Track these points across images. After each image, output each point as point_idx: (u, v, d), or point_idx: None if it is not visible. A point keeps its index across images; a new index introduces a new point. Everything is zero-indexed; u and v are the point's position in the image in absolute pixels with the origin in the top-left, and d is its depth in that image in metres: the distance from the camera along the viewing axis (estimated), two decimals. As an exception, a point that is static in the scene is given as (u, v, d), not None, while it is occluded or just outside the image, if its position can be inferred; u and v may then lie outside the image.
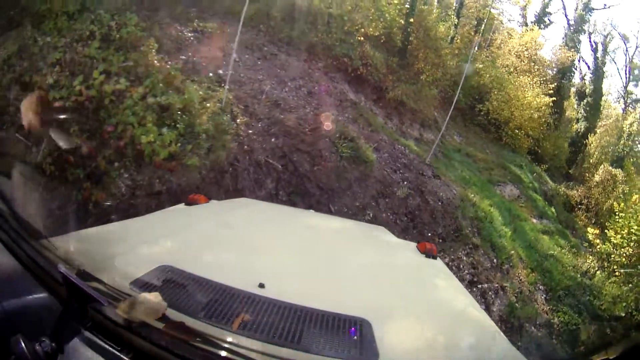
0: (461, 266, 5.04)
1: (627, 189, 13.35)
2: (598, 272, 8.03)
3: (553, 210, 10.86)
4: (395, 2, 9.39)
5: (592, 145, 15.93)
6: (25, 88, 4.18)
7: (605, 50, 18.31)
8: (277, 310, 0.87)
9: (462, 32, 14.65)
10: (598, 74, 17.37)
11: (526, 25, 17.87)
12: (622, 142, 16.31)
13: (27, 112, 3.85)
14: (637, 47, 20.92)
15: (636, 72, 19.99)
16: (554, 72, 16.24)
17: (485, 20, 16.56)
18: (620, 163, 15.56)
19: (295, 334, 0.80)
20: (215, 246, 1.27)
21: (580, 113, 16.95)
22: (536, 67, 14.89)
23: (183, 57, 5.97)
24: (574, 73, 17.66)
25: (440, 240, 5.13)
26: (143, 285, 0.86)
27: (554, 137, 15.24)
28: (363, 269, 1.37)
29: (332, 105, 6.24)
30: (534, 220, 9.10)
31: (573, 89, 17.74)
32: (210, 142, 4.17)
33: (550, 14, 18.28)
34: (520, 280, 6.18)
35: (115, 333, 0.72)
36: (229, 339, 0.72)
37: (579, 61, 17.90)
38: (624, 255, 7.76)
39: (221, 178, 4.02)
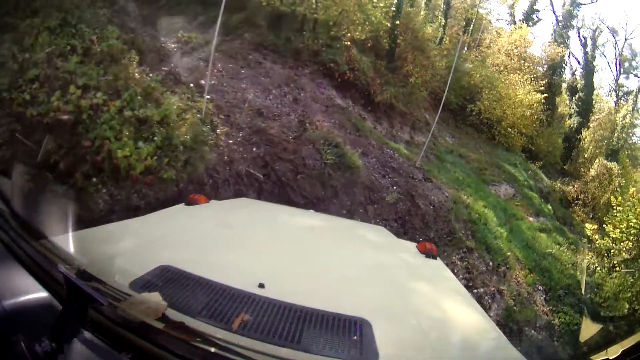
0: (455, 271, 4.89)
1: (624, 181, 13.31)
2: (598, 269, 7.89)
3: (549, 207, 10.75)
4: (381, 5, 9.35)
5: (586, 140, 15.91)
6: (2, 106, 4.09)
7: (594, 45, 18.41)
8: (277, 310, 0.87)
9: (451, 33, 14.69)
10: (588, 68, 17.42)
11: (514, 23, 17.95)
12: (615, 135, 16.30)
13: None
14: (626, 39, 21.04)
15: (626, 64, 20.09)
16: (545, 69, 16.27)
17: (473, 21, 16.65)
18: (615, 156, 15.53)
19: (295, 334, 0.80)
20: (215, 246, 1.27)
21: (573, 108, 16.96)
22: (526, 64, 14.92)
23: (165, 68, 5.89)
24: (565, 69, 17.74)
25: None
26: (143, 285, 0.86)
27: (548, 133, 15.21)
28: (363, 268, 1.37)
29: (318, 111, 6.13)
30: (531, 219, 8.98)
31: (564, 85, 17.78)
32: (188, 154, 4.05)
33: (538, 11, 18.40)
34: (518, 282, 6.03)
35: (115, 333, 0.72)
36: (229, 339, 0.71)
37: (568, 57, 17.98)
38: (624, 249, 7.63)
39: (200, 190, 3.89)
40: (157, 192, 4.07)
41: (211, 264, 1.09)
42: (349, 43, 8.46)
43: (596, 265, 8.00)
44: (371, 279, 1.28)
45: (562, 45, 16.48)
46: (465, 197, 6.76)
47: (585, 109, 16.58)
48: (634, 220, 7.44)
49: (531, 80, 13.78)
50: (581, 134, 15.95)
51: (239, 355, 0.67)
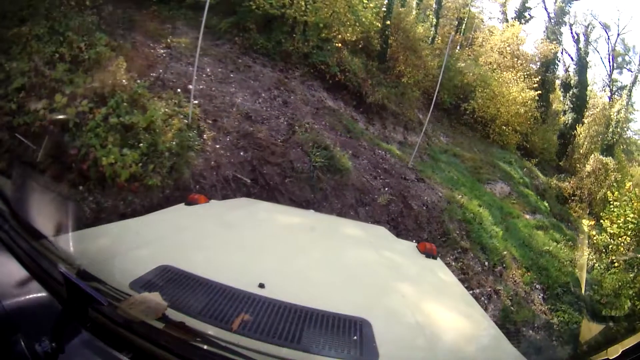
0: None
1: (619, 176, 13.29)
2: (596, 265, 7.83)
3: (546, 204, 10.70)
4: (372, 5, 9.32)
5: (580, 135, 15.89)
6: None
7: (587, 41, 18.42)
8: (277, 310, 0.87)
9: (443, 32, 14.69)
10: (582, 64, 17.44)
11: (507, 21, 17.99)
12: (610, 130, 16.28)
13: None
14: (618, 34, 21.09)
15: (619, 59, 20.15)
16: (538, 66, 16.28)
17: (465, 19, 16.67)
18: (611, 151, 15.52)
19: (295, 334, 0.80)
20: (215, 246, 1.27)
21: (567, 105, 16.95)
22: (519, 62, 14.93)
23: (154, 74, 5.84)
24: (558, 65, 17.71)
25: (427, 247, 4.89)
26: (143, 285, 0.86)
27: (542, 130, 15.19)
28: (363, 268, 1.37)
29: (308, 114, 6.07)
30: (527, 216, 8.93)
31: (558, 81, 17.78)
32: (174, 160, 3.99)
33: (530, 8, 18.42)
34: (515, 281, 5.96)
35: (116, 333, 0.72)
36: (229, 339, 0.71)
37: (561, 53, 17.97)
38: (622, 244, 7.58)
39: (186, 197, 3.81)
40: (143, 199, 4.02)
41: (211, 264, 1.09)
42: (339, 45, 8.42)
43: (594, 261, 7.94)
44: (371, 279, 1.27)
45: (554, 42, 16.50)
46: (460, 196, 6.69)
47: (580, 104, 16.58)
48: (632, 215, 7.39)
49: (524, 77, 13.76)
50: (576, 130, 15.93)
51: (239, 355, 0.67)
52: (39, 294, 0.78)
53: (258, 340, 0.76)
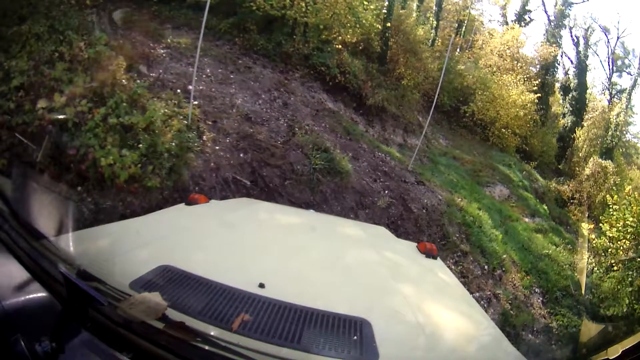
0: (450, 276, 4.79)
1: (619, 179, 13.29)
2: (596, 268, 7.82)
3: (545, 207, 10.70)
4: (372, 7, 9.32)
5: (580, 139, 15.91)
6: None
7: (587, 44, 18.44)
8: (277, 310, 0.87)
9: (443, 34, 14.71)
10: (581, 67, 17.47)
11: (507, 24, 18.01)
12: (610, 133, 16.28)
13: None
14: (618, 38, 21.14)
15: (619, 62, 20.17)
16: (537, 69, 16.30)
17: (465, 22, 16.70)
18: (610, 154, 15.51)
19: (295, 334, 0.80)
20: (216, 246, 1.26)
21: (566, 107, 16.97)
22: (519, 65, 14.94)
23: (154, 74, 5.82)
24: (558, 68, 17.74)
25: (426, 250, 4.88)
26: (143, 285, 0.86)
27: (542, 133, 15.19)
28: (363, 268, 1.37)
29: (308, 115, 6.05)
30: (526, 220, 8.92)
31: (557, 84, 17.80)
32: (173, 161, 3.96)
33: (530, 11, 18.45)
34: (514, 285, 5.95)
35: (116, 333, 0.72)
36: (229, 339, 0.71)
37: (561, 56, 18.00)
38: (622, 248, 7.56)
39: (185, 198, 3.79)
40: (142, 200, 3.99)
41: (211, 264, 1.09)
42: (340, 46, 8.42)
43: (594, 265, 7.93)
44: (371, 279, 1.27)
45: (554, 45, 16.52)
46: (459, 199, 6.68)
47: (579, 108, 16.60)
48: (631, 219, 7.37)
49: (524, 80, 13.77)
50: (575, 133, 15.94)
51: (239, 355, 0.67)
52: (39, 294, 0.78)
53: (258, 340, 0.76)
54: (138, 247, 1.10)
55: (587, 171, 13.80)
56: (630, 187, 8.53)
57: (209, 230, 1.43)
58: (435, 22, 13.36)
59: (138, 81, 4.87)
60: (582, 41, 18.28)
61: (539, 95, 13.64)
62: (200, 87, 5.61)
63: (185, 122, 4.61)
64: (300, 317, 0.86)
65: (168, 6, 8.75)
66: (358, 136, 6.60)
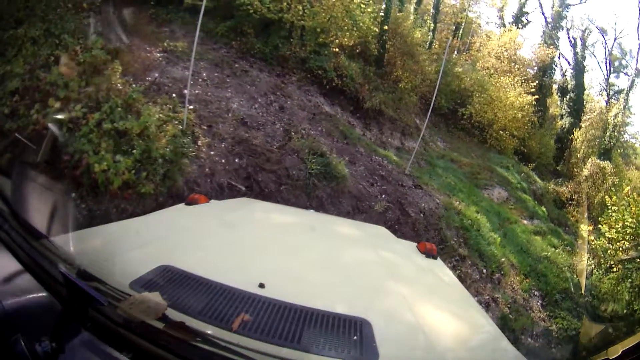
0: (448, 280, 4.75)
1: (617, 180, 13.28)
2: (595, 270, 7.79)
3: (544, 209, 10.68)
4: (369, 10, 9.32)
5: (578, 140, 15.91)
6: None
7: (584, 45, 18.48)
8: (277, 310, 0.87)
9: (440, 37, 14.73)
10: (579, 68, 17.50)
11: (504, 26, 18.06)
12: (608, 134, 16.28)
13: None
14: (615, 39, 21.24)
15: (616, 63, 20.22)
16: (535, 71, 16.33)
17: (463, 24, 16.74)
18: (608, 155, 15.51)
19: (295, 334, 0.80)
20: (215, 246, 1.26)
21: (564, 109, 16.99)
22: (516, 66, 14.96)
23: (149, 78, 5.79)
24: (555, 70, 17.76)
25: (424, 254, 4.84)
26: (143, 285, 0.86)
27: (539, 135, 15.21)
28: (363, 268, 1.37)
29: (304, 119, 6.02)
30: (525, 222, 8.89)
31: (555, 86, 17.83)
32: (167, 167, 3.93)
33: (527, 13, 18.52)
34: (513, 288, 5.91)
35: (116, 333, 0.72)
36: (229, 339, 0.70)
37: (559, 57, 18.03)
38: (621, 249, 7.53)
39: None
40: (136, 206, 3.96)
41: (211, 264, 1.09)
42: (337, 49, 8.41)
43: (593, 266, 7.90)
44: (371, 279, 1.27)
45: (552, 47, 16.56)
46: (457, 202, 6.65)
47: (577, 109, 16.62)
48: (630, 220, 7.35)
49: (522, 82, 13.79)
50: (573, 134, 15.94)
51: (239, 355, 0.67)
52: (39, 294, 0.78)
53: (258, 340, 0.76)
54: (138, 247, 1.10)
55: (586, 172, 13.80)
56: (628, 187, 8.53)
57: (209, 230, 1.43)
58: (432, 25, 13.37)
59: (134, 85, 4.85)
60: (579, 42, 18.32)
61: (536, 97, 13.66)
62: (196, 91, 5.58)
63: (180, 127, 4.58)
64: (300, 317, 0.86)
65: (165, 9, 8.73)
66: (355, 140, 6.57)
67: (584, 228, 9.27)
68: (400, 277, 1.40)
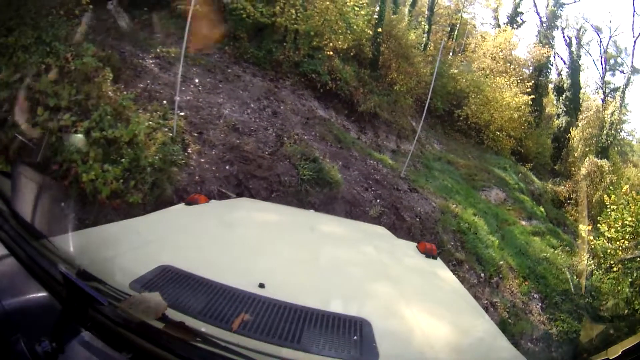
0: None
1: (615, 178, 13.25)
2: (595, 270, 7.72)
3: (542, 209, 10.62)
4: (363, 13, 9.29)
5: (575, 139, 15.89)
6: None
7: (579, 44, 18.56)
8: (277, 310, 0.87)
9: (435, 38, 14.73)
10: (574, 67, 17.54)
11: (499, 26, 18.09)
12: (604, 132, 16.30)
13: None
14: (610, 37, 21.33)
15: (612, 61, 20.28)
16: (531, 71, 16.35)
17: (458, 26, 16.76)
18: (605, 153, 15.52)
19: (295, 334, 0.80)
20: (215, 246, 1.26)
21: (560, 108, 17.01)
22: (512, 67, 14.96)
23: (141, 85, 5.73)
24: (551, 69, 17.83)
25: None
26: (143, 285, 0.86)
27: (536, 134, 15.20)
28: (363, 268, 1.37)
29: (298, 124, 5.95)
30: (523, 223, 8.82)
31: (551, 85, 17.87)
32: (156, 176, 3.86)
33: (522, 13, 18.56)
34: (512, 291, 5.83)
35: (116, 333, 0.72)
36: (229, 339, 0.70)
37: (554, 57, 18.09)
38: (620, 248, 7.47)
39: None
40: (125, 216, 3.87)
41: (211, 264, 1.09)
42: (331, 53, 8.36)
43: (593, 266, 7.83)
44: (371, 279, 1.28)
45: (547, 46, 16.59)
46: (454, 205, 6.58)
47: (573, 108, 16.64)
48: (629, 219, 7.30)
49: (517, 82, 13.79)
50: (570, 133, 15.95)
51: (239, 355, 0.67)
52: (39, 294, 0.78)
53: (258, 340, 0.76)
54: (138, 247, 1.10)
55: (583, 171, 13.77)
56: (627, 186, 8.48)
57: (209, 230, 1.43)
58: (427, 27, 13.37)
59: (124, 92, 4.80)
60: (574, 41, 18.40)
61: (532, 96, 13.66)
62: (188, 98, 5.52)
63: (170, 134, 4.51)
64: (300, 317, 0.86)
65: (158, 15, 8.67)
66: (349, 144, 6.50)
67: (583, 228, 9.20)
68: (400, 277, 1.40)
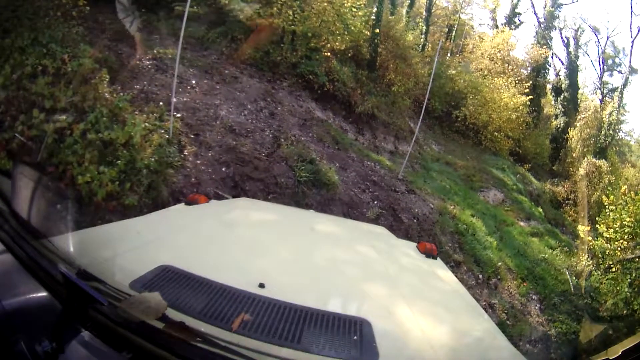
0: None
1: (613, 178, 13.26)
2: (594, 271, 7.71)
3: (540, 210, 10.62)
4: (361, 14, 9.27)
5: (573, 139, 15.91)
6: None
7: (577, 44, 18.57)
8: (277, 310, 0.87)
9: (433, 39, 14.74)
10: (572, 68, 17.57)
11: (497, 27, 18.12)
12: (603, 132, 16.31)
13: None
14: (608, 37, 21.45)
15: (610, 62, 20.31)
16: (529, 71, 16.37)
17: (455, 26, 16.78)
18: (604, 153, 15.53)
19: (295, 334, 0.80)
20: (215, 246, 1.26)
21: (558, 108, 17.03)
22: (510, 67, 14.97)
23: (138, 86, 5.71)
24: (549, 70, 17.84)
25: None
26: (143, 285, 0.86)
27: (534, 135, 15.20)
28: (363, 268, 1.37)
29: (295, 125, 5.93)
30: (522, 223, 8.82)
31: (549, 86, 17.88)
32: (152, 178, 3.84)
33: (519, 14, 18.60)
34: (511, 293, 5.82)
35: (116, 333, 0.72)
36: (229, 339, 0.71)
37: (552, 57, 18.09)
38: (619, 249, 7.46)
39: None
40: (121, 218, 3.85)
41: (211, 264, 1.09)
42: (328, 54, 8.35)
43: (591, 267, 7.82)
44: (371, 279, 1.27)
45: (545, 47, 16.62)
46: (452, 207, 6.56)
47: (571, 108, 16.66)
48: (628, 219, 7.28)
49: (515, 83, 13.80)
50: (568, 133, 15.97)
51: (239, 355, 0.67)
52: (39, 294, 0.78)
53: (258, 340, 0.76)
54: (138, 247, 1.10)
55: (582, 171, 13.77)
56: (625, 186, 8.47)
57: (209, 230, 1.43)
58: (425, 27, 13.37)
59: (122, 94, 4.78)
60: (572, 42, 18.41)
61: (530, 97, 13.66)
62: (184, 99, 5.50)
63: (167, 136, 4.49)
64: (300, 317, 0.86)
65: (156, 16, 8.65)
66: (347, 145, 6.48)
67: (582, 228, 9.20)
68: (400, 277, 1.40)
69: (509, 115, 12.81)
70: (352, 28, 8.90)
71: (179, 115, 4.94)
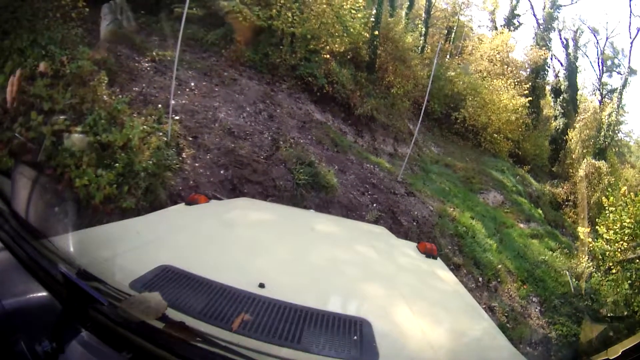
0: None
1: (613, 179, 13.25)
2: (594, 273, 7.68)
3: (540, 211, 10.60)
4: (360, 16, 9.27)
5: (572, 140, 15.91)
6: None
7: (576, 45, 18.60)
8: (277, 310, 0.87)
9: (432, 41, 14.76)
10: (571, 69, 17.59)
11: (496, 29, 18.16)
12: (602, 133, 16.31)
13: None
14: (607, 38, 21.51)
15: (609, 63, 20.33)
16: (528, 73, 16.39)
17: (455, 28, 16.81)
18: (603, 155, 15.51)
19: (295, 334, 0.80)
20: (215, 246, 1.27)
21: (558, 110, 17.03)
22: (509, 69, 14.99)
23: (136, 88, 5.70)
24: (548, 71, 17.85)
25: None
26: (143, 285, 0.86)
27: (534, 137, 15.20)
28: (363, 268, 1.37)
29: (294, 128, 5.92)
30: (522, 225, 8.80)
31: (548, 87, 17.90)
32: (149, 181, 3.82)
33: (518, 15, 18.66)
34: (511, 296, 5.79)
35: (116, 333, 0.72)
36: (229, 339, 0.71)
37: (551, 59, 18.12)
38: (619, 250, 7.43)
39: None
40: (119, 221, 3.84)
41: (211, 264, 1.09)
42: (327, 56, 8.34)
43: (591, 268, 7.80)
44: (371, 279, 1.28)
45: (544, 48, 16.65)
46: (452, 209, 6.54)
47: (570, 109, 16.67)
48: (628, 220, 7.27)
49: (515, 84, 13.81)
50: (567, 134, 15.97)
51: (239, 355, 0.67)
52: (39, 294, 0.78)
53: (258, 340, 0.76)
54: (138, 247, 1.10)
55: (581, 172, 13.75)
56: (625, 188, 8.46)
57: (209, 230, 1.43)
58: (424, 29, 13.38)
59: (119, 96, 4.77)
60: (571, 43, 18.44)
61: (530, 98, 13.67)
62: (183, 101, 5.48)
63: (165, 138, 4.47)
64: (300, 317, 0.86)
65: (155, 18, 8.65)
66: (346, 147, 6.47)
67: (582, 230, 9.18)
68: (400, 277, 1.40)
69: (508, 117, 12.82)
70: (352, 30, 8.90)
71: (177, 117, 4.93)
